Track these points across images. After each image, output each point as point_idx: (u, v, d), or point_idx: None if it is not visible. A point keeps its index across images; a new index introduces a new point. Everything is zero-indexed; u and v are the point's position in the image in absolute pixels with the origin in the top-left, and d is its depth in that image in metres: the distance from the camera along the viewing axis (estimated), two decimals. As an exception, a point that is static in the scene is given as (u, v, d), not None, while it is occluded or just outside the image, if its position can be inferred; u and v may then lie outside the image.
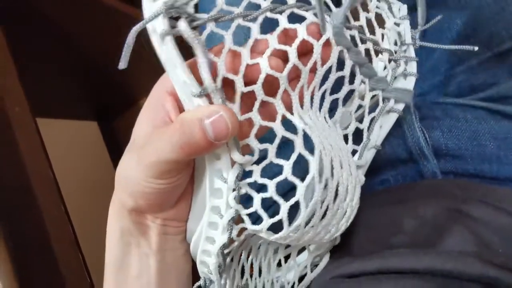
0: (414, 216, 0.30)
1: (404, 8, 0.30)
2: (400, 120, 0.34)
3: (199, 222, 0.26)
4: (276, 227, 0.24)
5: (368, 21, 0.28)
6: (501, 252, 0.26)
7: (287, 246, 0.31)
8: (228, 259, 0.27)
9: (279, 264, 0.31)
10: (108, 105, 1.15)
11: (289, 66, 0.22)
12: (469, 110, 0.33)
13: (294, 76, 0.23)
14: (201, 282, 0.27)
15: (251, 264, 0.30)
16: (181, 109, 0.24)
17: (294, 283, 0.31)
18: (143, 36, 0.21)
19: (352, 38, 0.26)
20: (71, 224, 0.63)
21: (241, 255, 0.29)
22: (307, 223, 0.24)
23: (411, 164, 0.34)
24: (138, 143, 0.24)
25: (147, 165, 0.22)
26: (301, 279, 0.31)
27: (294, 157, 0.23)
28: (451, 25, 0.36)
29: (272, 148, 0.23)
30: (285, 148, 0.23)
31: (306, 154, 0.22)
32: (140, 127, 0.25)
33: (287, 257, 0.31)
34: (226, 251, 0.25)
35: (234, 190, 0.23)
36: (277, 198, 0.23)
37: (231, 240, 0.25)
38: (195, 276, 0.29)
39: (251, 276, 0.30)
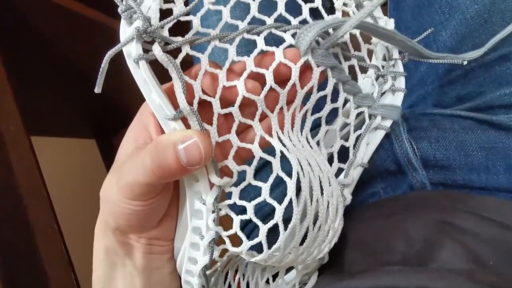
0: (405, 230, 0.29)
1: (391, 22, 0.30)
2: (388, 132, 0.34)
3: (184, 241, 0.26)
4: (259, 249, 0.24)
5: (353, 37, 0.28)
6: (491, 264, 0.26)
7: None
8: (212, 279, 0.27)
9: (267, 282, 0.31)
10: (107, 122, 1.15)
11: (265, 89, 0.22)
12: (456, 120, 0.33)
13: (276, 99, 0.23)
14: None
15: (238, 283, 0.30)
16: (163, 131, 0.24)
17: None
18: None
19: (335, 55, 0.26)
20: (64, 243, 0.63)
21: (227, 274, 0.29)
22: (287, 246, 0.23)
23: (400, 176, 0.33)
24: (119, 163, 0.24)
25: (122, 187, 0.23)
26: None
27: (271, 179, 0.23)
28: (436, 38, 0.36)
29: (250, 170, 0.23)
30: (266, 171, 0.23)
31: (283, 175, 0.22)
32: (123, 148, 0.25)
33: (275, 275, 0.31)
34: (208, 272, 0.25)
35: (213, 211, 0.23)
36: (255, 220, 0.23)
37: (213, 261, 0.25)
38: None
39: None
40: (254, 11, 0.23)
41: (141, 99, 0.25)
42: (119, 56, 0.21)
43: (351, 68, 0.27)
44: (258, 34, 0.23)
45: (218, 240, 0.24)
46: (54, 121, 0.96)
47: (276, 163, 0.23)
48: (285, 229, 0.22)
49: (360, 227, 0.32)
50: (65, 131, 1.04)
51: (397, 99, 0.30)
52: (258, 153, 0.23)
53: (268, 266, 0.30)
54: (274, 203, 0.22)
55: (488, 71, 0.33)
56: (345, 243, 0.32)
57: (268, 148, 0.24)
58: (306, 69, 0.23)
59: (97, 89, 0.21)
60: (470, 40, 0.34)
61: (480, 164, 0.31)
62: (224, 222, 0.24)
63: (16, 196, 0.57)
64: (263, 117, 0.23)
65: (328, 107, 0.26)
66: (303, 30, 0.23)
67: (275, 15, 0.23)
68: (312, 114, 0.26)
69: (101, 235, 0.26)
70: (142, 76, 0.21)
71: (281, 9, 0.24)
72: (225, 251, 0.25)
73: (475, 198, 0.30)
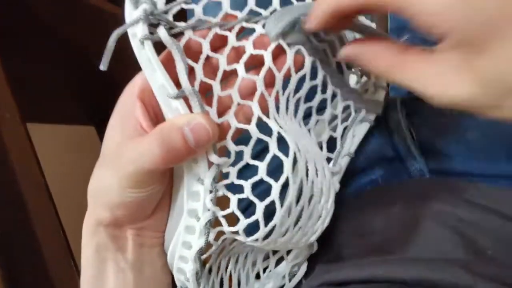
0: (403, 218, 0.29)
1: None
2: (387, 118, 0.34)
3: (177, 230, 0.26)
4: (253, 230, 0.24)
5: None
6: (490, 253, 0.25)
7: (266, 258, 0.32)
8: (206, 267, 0.27)
9: (257, 276, 0.32)
10: (106, 108, 1.14)
11: (264, 69, 0.23)
12: (456, 106, 0.32)
13: (269, 83, 0.24)
14: None
15: (230, 276, 0.30)
16: (151, 116, 0.24)
17: None
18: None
19: (324, 51, 0.28)
20: (63, 231, 0.63)
21: (219, 265, 0.29)
22: (283, 223, 0.24)
23: (399, 163, 0.33)
24: (110, 155, 0.24)
25: (124, 176, 0.22)
26: None
27: (268, 158, 0.23)
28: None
29: (247, 150, 0.24)
30: (263, 153, 0.24)
31: (280, 155, 0.23)
32: (111, 138, 0.24)
33: (265, 268, 0.32)
34: (203, 257, 0.25)
35: (211, 192, 0.24)
36: (252, 198, 0.23)
37: (208, 245, 0.25)
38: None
39: (230, 287, 0.30)
40: (251, 3, 0.25)
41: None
42: (120, 42, 0.22)
43: (338, 65, 0.29)
44: (256, 23, 0.24)
45: (214, 222, 0.25)
46: (51, 108, 0.95)
47: (273, 143, 0.23)
48: (281, 206, 0.23)
49: (358, 214, 0.32)
50: (64, 118, 1.03)
51: (380, 95, 0.32)
52: (255, 133, 0.24)
53: (258, 258, 0.31)
54: (271, 181, 0.23)
55: None
56: (342, 230, 0.31)
57: (265, 128, 0.24)
58: (295, 57, 0.25)
59: (103, 67, 0.22)
60: None
61: (481, 150, 0.30)
62: (220, 205, 0.25)
63: (13, 184, 0.57)
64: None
65: (319, 97, 0.28)
66: (274, 18, 0.24)
67: (271, 9, 0.25)
68: (304, 103, 0.27)
69: (90, 235, 0.25)
70: (147, 55, 0.22)
71: (276, 4, 0.25)
72: (220, 234, 0.25)
73: (474, 186, 0.29)
